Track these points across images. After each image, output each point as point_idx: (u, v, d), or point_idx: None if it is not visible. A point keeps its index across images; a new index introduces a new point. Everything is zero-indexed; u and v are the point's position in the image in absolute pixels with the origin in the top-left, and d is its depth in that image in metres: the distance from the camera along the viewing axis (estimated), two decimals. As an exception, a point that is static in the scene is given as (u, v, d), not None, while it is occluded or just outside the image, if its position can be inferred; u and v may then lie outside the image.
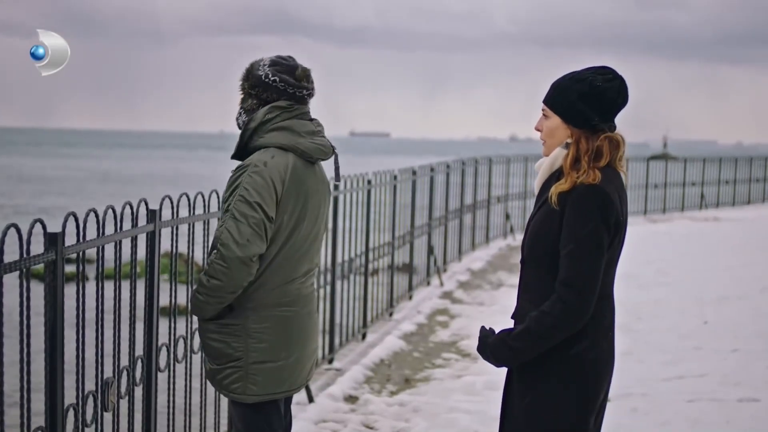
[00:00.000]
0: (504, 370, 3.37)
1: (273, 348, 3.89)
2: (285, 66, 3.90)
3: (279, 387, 3.95)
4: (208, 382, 4.12)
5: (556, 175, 3.24)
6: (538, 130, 3.32)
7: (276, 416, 4.04)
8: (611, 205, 3.11)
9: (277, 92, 3.87)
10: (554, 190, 3.15)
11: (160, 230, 4.41)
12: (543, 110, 3.28)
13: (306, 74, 3.93)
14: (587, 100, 3.17)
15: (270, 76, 3.86)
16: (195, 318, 4.17)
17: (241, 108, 3.95)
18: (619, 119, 3.32)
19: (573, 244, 3.09)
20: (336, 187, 7.53)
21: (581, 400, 3.18)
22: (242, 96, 3.95)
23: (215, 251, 3.76)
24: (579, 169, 3.14)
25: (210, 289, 3.78)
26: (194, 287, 3.90)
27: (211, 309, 3.85)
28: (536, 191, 3.31)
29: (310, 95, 3.97)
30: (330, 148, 4.00)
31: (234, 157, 3.95)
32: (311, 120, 3.98)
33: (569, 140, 3.21)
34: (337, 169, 4.22)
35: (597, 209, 3.09)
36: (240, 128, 3.95)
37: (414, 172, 10.84)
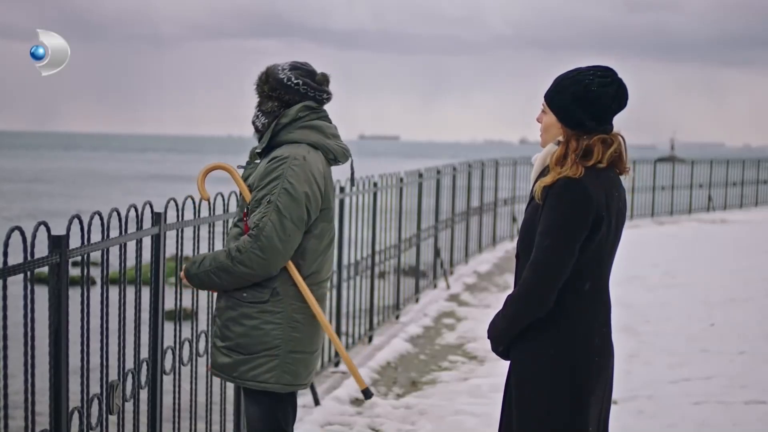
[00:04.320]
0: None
1: (305, 339, 3.94)
2: (305, 70, 4.01)
3: (304, 378, 4.00)
4: (223, 378, 4.01)
5: (546, 172, 3.28)
6: (539, 121, 3.36)
7: (292, 411, 4.09)
8: (588, 200, 3.13)
9: (298, 95, 3.97)
10: (538, 185, 3.21)
11: (165, 233, 4.41)
12: (542, 104, 3.32)
13: (326, 78, 4.05)
14: (581, 104, 3.20)
15: (293, 79, 3.96)
16: (201, 319, 4.15)
17: (258, 110, 4.02)
18: (625, 122, 3.34)
19: (543, 233, 3.15)
20: (342, 190, 7.53)
21: (573, 398, 3.19)
22: (259, 99, 4.02)
23: (254, 241, 3.76)
24: (564, 164, 3.17)
25: (235, 275, 3.80)
26: (208, 266, 3.84)
27: (215, 289, 3.95)
28: (531, 185, 3.36)
29: (329, 99, 4.08)
30: (349, 151, 4.11)
31: (262, 150, 3.99)
32: (331, 123, 4.09)
33: (561, 138, 3.24)
34: (352, 173, 4.39)
35: (572, 202, 3.13)
36: (257, 130, 4.03)
37: (420, 175, 10.83)
